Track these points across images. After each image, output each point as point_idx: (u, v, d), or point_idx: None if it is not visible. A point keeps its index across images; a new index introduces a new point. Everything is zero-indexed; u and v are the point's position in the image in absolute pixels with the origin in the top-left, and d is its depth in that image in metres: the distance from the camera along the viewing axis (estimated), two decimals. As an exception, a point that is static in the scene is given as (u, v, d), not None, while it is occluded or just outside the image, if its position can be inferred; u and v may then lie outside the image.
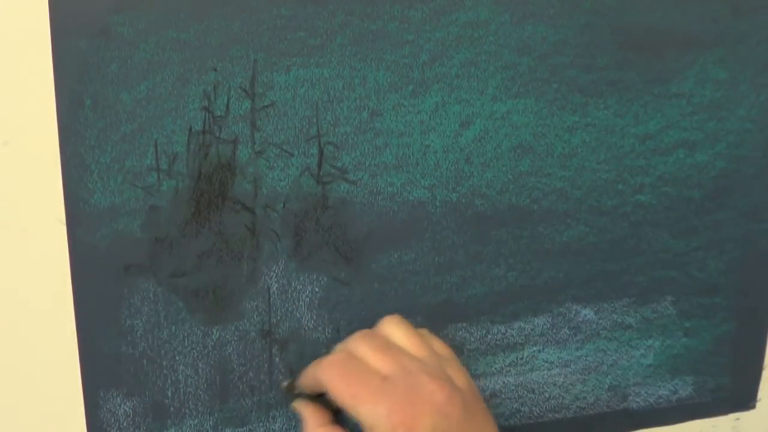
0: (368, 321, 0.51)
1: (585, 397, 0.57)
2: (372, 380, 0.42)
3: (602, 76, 0.52)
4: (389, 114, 0.49)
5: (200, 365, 0.49)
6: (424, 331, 0.47)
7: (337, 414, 0.46)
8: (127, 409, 0.48)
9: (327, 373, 0.43)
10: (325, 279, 0.50)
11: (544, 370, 0.56)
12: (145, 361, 0.48)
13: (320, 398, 0.46)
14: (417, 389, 0.42)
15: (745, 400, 0.62)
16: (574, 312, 0.56)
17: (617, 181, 0.54)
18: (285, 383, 0.50)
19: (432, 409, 0.41)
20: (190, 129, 0.46)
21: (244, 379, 0.50)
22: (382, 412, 0.41)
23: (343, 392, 0.42)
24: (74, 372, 0.47)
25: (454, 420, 0.41)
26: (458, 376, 0.44)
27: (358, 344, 0.44)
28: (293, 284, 0.49)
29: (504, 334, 0.54)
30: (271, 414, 0.51)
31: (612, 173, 0.54)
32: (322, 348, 0.51)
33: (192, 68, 0.45)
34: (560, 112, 0.52)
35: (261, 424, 0.51)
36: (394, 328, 0.46)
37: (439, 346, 0.46)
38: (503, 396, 0.55)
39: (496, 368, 0.54)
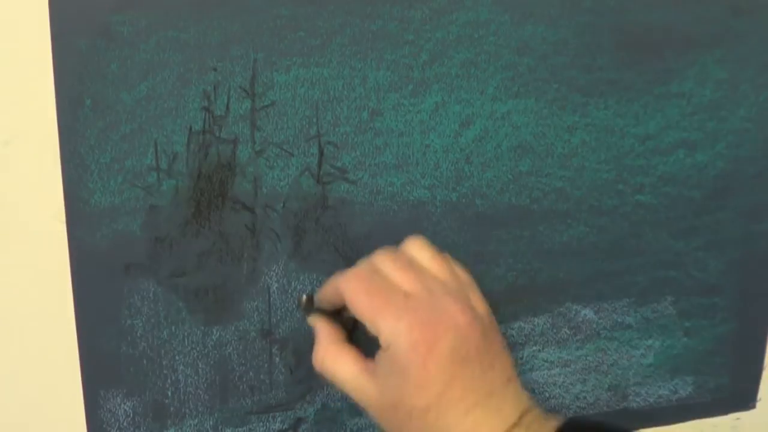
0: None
1: (585, 397, 0.57)
2: (395, 296, 0.41)
3: (602, 76, 0.52)
4: (389, 114, 0.49)
5: (200, 365, 0.49)
6: (447, 256, 0.46)
7: (352, 334, 0.46)
8: (127, 409, 0.48)
9: (349, 285, 0.43)
10: (325, 279, 0.50)
11: (544, 370, 0.56)
12: (145, 361, 0.48)
13: (337, 317, 0.45)
14: (439, 309, 0.41)
15: (745, 400, 0.62)
16: (574, 312, 0.56)
17: (617, 181, 0.54)
18: (303, 296, 0.48)
19: (453, 330, 0.41)
20: (190, 129, 0.46)
21: (244, 379, 0.50)
22: (403, 328, 0.40)
23: (364, 306, 0.41)
24: (74, 372, 0.47)
25: (472, 343, 0.41)
26: (478, 302, 0.44)
27: (382, 261, 0.44)
28: (293, 284, 0.49)
29: (504, 334, 0.54)
30: (271, 414, 0.51)
31: (612, 173, 0.54)
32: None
33: (192, 68, 0.45)
34: (560, 112, 0.52)
35: (261, 424, 0.51)
36: (418, 249, 0.45)
37: (462, 273, 0.45)
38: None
39: (496, 368, 0.54)
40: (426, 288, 0.42)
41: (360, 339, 0.44)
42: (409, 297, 0.42)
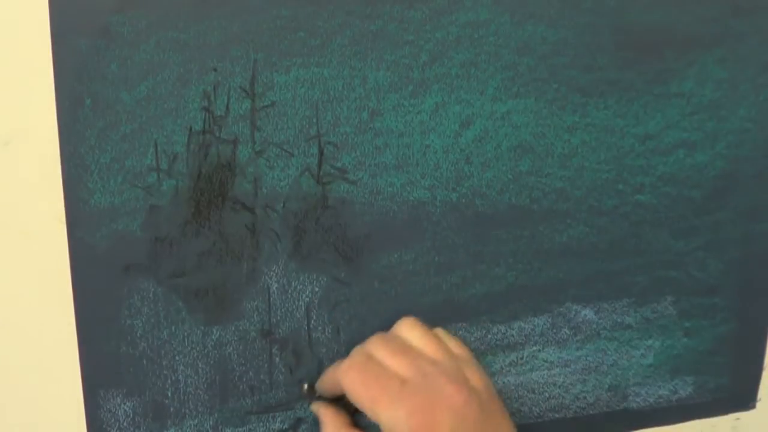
0: (368, 321, 0.51)
1: (585, 397, 0.57)
2: (391, 384, 0.42)
3: (602, 76, 0.52)
4: (389, 114, 0.49)
5: (200, 365, 0.49)
6: (440, 332, 0.47)
7: (355, 414, 0.47)
8: (127, 409, 0.48)
9: (347, 377, 0.44)
10: (325, 279, 0.50)
11: (544, 370, 0.56)
12: (145, 361, 0.48)
13: (338, 400, 0.46)
14: (435, 392, 0.42)
15: (745, 400, 0.62)
16: (574, 312, 0.56)
17: (617, 181, 0.54)
18: (305, 385, 0.50)
19: (450, 411, 0.42)
20: (190, 129, 0.46)
21: (244, 379, 0.50)
22: (402, 415, 0.41)
23: (362, 396, 0.43)
24: (74, 372, 0.47)
25: (471, 422, 0.42)
26: (475, 376, 0.44)
27: (376, 347, 0.45)
28: (293, 284, 0.49)
29: (504, 334, 0.54)
30: (271, 414, 0.51)
31: (612, 173, 0.54)
32: (322, 348, 0.51)
33: (192, 68, 0.45)
34: (560, 112, 0.52)
35: (261, 424, 0.51)
36: (410, 331, 0.46)
37: (456, 347, 0.46)
38: (503, 396, 0.55)
39: (496, 368, 0.54)
40: (421, 371, 0.43)
41: (363, 419, 0.46)
42: (404, 383, 0.42)
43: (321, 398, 0.48)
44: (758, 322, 0.60)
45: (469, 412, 0.42)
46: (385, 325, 0.52)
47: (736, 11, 0.54)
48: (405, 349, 0.45)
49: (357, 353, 0.45)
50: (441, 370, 0.43)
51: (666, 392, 0.59)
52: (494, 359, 0.54)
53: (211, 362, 0.49)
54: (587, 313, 0.56)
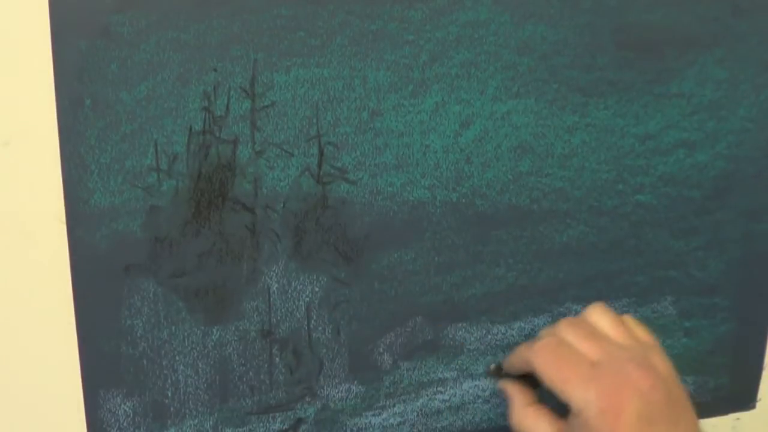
0: (368, 321, 0.51)
1: (585, 397, 0.57)
2: (581, 366, 0.44)
3: (602, 76, 0.52)
4: (389, 114, 0.49)
5: (200, 365, 0.49)
6: (628, 318, 0.49)
7: (535, 389, 0.49)
8: (127, 409, 0.48)
9: (539, 357, 0.45)
10: (325, 279, 0.50)
11: (544, 370, 0.56)
12: (145, 361, 0.48)
13: (523, 378, 0.48)
14: (623, 376, 0.43)
15: (745, 400, 0.62)
16: (574, 312, 0.55)
17: (617, 181, 0.54)
18: (492, 366, 0.52)
19: (637, 395, 0.43)
20: (190, 129, 0.46)
21: (244, 379, 0.50)
22: (591, 396, 0.43)
23: (554, 377, 0.44)
24: (74, 372, 0.47)
25: (657, 406, 0.43)
26: (661, 364, 0.46)
27: (566, 331, 0.46)
28: (293, 284, 0.49)
29: (504, 334, 0.54)
30: (271, 414, 0.51)
31: (612, 173, 0.54)
32: (322, 348, 0.51)
33: (192, 68, 0.45)
34: (560, 112, 0.52)
35: (261, 424, 0.51)
36: (599, 316, 0.48)
37: (643, 334, 0.48)
38: (503, 396, 0.55)
39: (496, 368, 0.55)
40: (609, 355, 0.45)
41: (545, 395, 0.47)
42: (594, 366, 0.44)
43: (507, 376, 0.49)
44: (758, 322, 0.60)
45: (655, 397, 0.43)
46: (386, 325, 0.52)
47: (736, 11, 0.54)
48: (594, 333, 0.46)
49: (548, 334, 0.47)
50: (629, 355, 0.44)
51: (666, 392, 0.59)
52: (494, 359, 0.54)
53: (211, 362, 0.49)
54: (587, 313, 0.56)
